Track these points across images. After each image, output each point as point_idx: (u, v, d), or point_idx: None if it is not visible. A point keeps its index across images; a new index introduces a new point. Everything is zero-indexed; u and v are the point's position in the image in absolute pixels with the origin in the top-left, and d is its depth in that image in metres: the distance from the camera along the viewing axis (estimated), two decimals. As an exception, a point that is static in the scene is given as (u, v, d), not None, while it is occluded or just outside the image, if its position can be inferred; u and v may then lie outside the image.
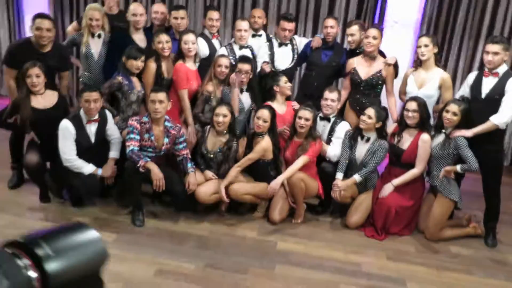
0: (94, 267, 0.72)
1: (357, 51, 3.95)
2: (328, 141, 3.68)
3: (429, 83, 3.58)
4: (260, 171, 3.54)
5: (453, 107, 3.28)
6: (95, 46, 3.94)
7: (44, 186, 3.52)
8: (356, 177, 3.46)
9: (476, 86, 3.37)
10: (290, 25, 4.05)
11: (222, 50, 4.02)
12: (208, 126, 3.61)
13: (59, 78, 3.81)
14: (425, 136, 3.40)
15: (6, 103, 3.53)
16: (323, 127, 3.73)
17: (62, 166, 3.29)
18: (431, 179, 3.50)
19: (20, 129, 3.46)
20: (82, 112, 3.33)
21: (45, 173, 3.50)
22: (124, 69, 3.58)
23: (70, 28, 4.42)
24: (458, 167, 3.24)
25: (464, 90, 3.50)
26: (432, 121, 3.63)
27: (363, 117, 3.47)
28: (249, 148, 3.54)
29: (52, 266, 0.65)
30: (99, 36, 3.94)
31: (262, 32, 4.33)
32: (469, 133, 3.27)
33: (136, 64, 3.55)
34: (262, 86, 3.90)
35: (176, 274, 2.75)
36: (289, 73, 4.17)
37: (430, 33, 5.18)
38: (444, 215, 3.42)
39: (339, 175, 3.52)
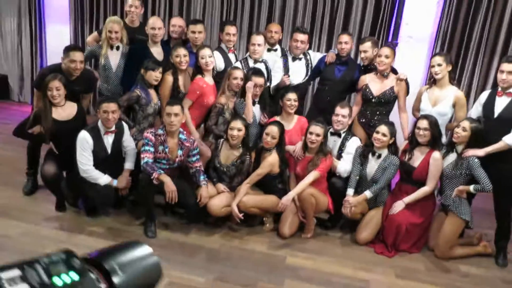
0: (151, 279, 0.81)
1: (370, 67, 3.98)
2: (339, 157, 3.70)
3: (443, 101, 3.59)
4: (267, 184, 3.60)
5: (465, 123, 3.29)
6: (114, 58, 4.05)
7: (61, 195, 3.62)
8: (367, 194, 3.48)
9: (489, 105, 3.37)
10: (303, 37, 4.10)
11: (237, 64, 4.09)
12: (221, 140, 3.67)
13: (81, 98, 3.89)
14: (436, 154, 3.41)
15: (29, 111, 3.64)
16: (333, 143, 3.76)
17: (78, 176, 3.38)
18: (444, 198, 3.49)
19: (39, 139, 3.57)
20: (100, 123, 3.43)
21: (62, 182, 3.59)
22: (142, 81, 3.68)
23: (90, 38, 4.54)
24: (471, 188, 3.24)
25: (477, 109, 3.50)
26: (444, 139, 3.63)
27: (377, 136, 3.49)
28: (257, 162, 3.60)
29: (118, 279, 0.73)
30: (117, 48, 4.05)
31: (277, 46, 4.40)
32: (481, 152, 3.26)
33: (155, 74, 3.64)
34: (276, 100, 3.95)
35: (186, 287, 2.80)
36: (303, 87, 4.23)
37: (444, 49, 5.21)
38: (455, 234, 3.42)
39: (350, 191, 3.54)
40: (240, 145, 3.58)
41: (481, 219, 3.82)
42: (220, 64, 4.09)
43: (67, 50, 3.61)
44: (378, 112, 3.88)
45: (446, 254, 3.42)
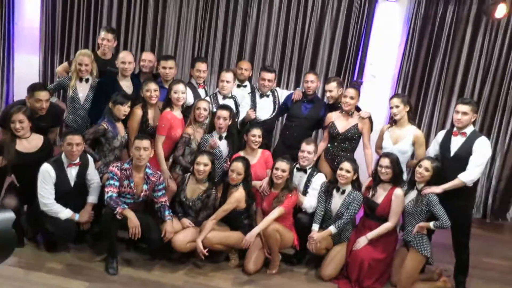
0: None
1: (335, 105, 4.12)
2: (305, 192, 3.77)
3: (403, 139, 3.75)
4: (234, 219, 3.60)
5: (426, 163, 3.43)
6: (82, 90, 4.05)
7: (20, 230, 3.50)
8: (332, 229, 3.54)
9: (446, 144, 3.54)
10: (270, 75, 4.25)
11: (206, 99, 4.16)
12: (188, 174, 3.68)
13: (48, 131, 3.85)
14: (398, 191, 3.53)
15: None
16: (299, 178, 3.83)
17: (38, 209, 3.30)
18: (405, 234, 3.59)
19: (2, 172, 3.48)
20: (63, 156, 3.38)
21: (22, 216, 3.49)
22: (110, 114, 3.68)
23: (61, 69, 4.53)
24: (431, 224, 3.36)
25: (434, 147, 3.67)
26: (405, 176, 3.76)
27: (341, 172, 3.59)
28: (223, 197, 3.62)
29: None
30: (86, 80, 4.05)
31: (247, 83, 4.51)
32: (438, 189, 3.40)
33: (123, 109, 3.66)
34: (242, 134, 4.01)
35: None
36: (270, 123, 4.34)
37: (406, 88, 5.46)
38: (416, 269, 3.49)
39: (315, 227, 3.59)
40: (206, 179, 3.59)
41: (442, 254, 3.92)
42: (190, 99, 4.14)
43: (32, 89, 3.58)
44: (343, 149, 4.01)
45: (408, 289, 3.48)
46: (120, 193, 3.37)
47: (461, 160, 3.42)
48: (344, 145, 4.01)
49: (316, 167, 3.93)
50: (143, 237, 3.30)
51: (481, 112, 5.40)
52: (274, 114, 4.35)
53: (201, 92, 4.31)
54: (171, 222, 3.42)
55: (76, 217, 3.36)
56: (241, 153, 3.84)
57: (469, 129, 3.47)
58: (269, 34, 5.61)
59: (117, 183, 3.33)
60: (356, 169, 3.61)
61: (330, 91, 4.11)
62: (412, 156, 3.88)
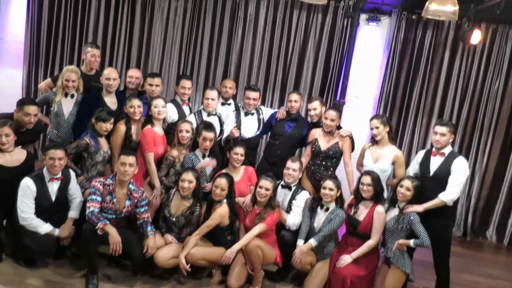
0: None
1: (319, 124, 4.19)
2: (289, 209, 3.79)
3: (383, 159, 3.84)
4: (217, 235, 3.60)
5: (407, 183, 3.51)
6: (67, 105, 4.04)
7: (0, 244, 3.43)
8: (312, 241, 3.57)
9: (425, 164, 3.63)
10: (254, 94, 4.32)
11: (190, 117, 4.19)
12: (173, 190, 3.68)
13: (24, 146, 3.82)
14: (379, 208, 3.58)
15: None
16: (284, 195, 3.86)
17: (18, 224, 3.24)
18: (385, 251, 3.63)
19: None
20: (45, 170, 3.35)
21: (1, 231, 3.42)
22: (93, 130, 3.67)
23: (43, 85, 4.52)
24: (411, 242, 3.41)
25: (414, 166, 3.76)
26: (386, 194, 3.83)
27: (324, 191, 3.63)
28: (207, 213, 3.61)
29: None
30: (72, 96, 4.06)
31: (231, 101, 4.57)
32: (420, 208, 3.47)
33: (105, 126, 3.66)
34: (225, 152, 4.04)
35: None
36: (254, 141, 4.39)
37: (387, 109, 5.62)
38: (397, 286, 3.51)
39: (300, 242, 3.61)
40: (191, 196, 3.59)
41: (423, 271, 3.98)
42: (174, 116, 4.18)
43: (22, 103, 3.59)
44: (325, 167, 4.07)
45: (390, 306, 3.50)
46: (103, 208, 3.34)
47: (440, 179, 3.51)
48: (325, 163, 4.07)
49: (300, 185, 3.97)
50: (124, 252, 3.26)
51: (459, 133, 5.58)
52: (258, 132, 4.40)
53: (186, 109, 4.34)
54: (153, 237, 3.40)
55: (56, 232, 3.31)
56: (224, 171, 3.85)
57: (447, 149, 3.58)
58: (253, 54, 5.73)
59: (99, 198, 3.31)
60: (338, 186, 3.67)
61: (315, 109, 4.20)
62: (391, 175, 3.96)
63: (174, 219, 3.58)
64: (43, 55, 6.03)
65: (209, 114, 4.26)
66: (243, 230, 3.70)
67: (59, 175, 3.38)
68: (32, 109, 3.57)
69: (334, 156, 4.07)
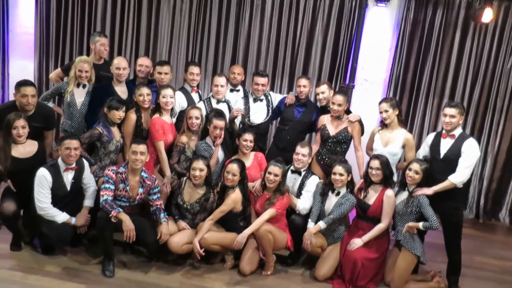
0: None
1: (328, 108, 4.19)
2: (299, 194, 3.83)
3: (393, 142, 3.83)
4: (230, 221, 3.65)
5: (415, 166, 3.50)
6: (79, 96, 4.09)
7: (18, 233, 3.54)
8: (321, 224, 3.61)
9: (435, 146, 3.61)
10: (262, 80, 4.31)
11: (200, 104, 4.21)
12: (185, 178, 3.72)
13: (44, 136, 3.84)
14: (389, 192, 3.59)
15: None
16: (294, 180, 3.89)
17: (35, 213, 3.33)
18: (396, 234, 3.65)
19: (-4, 176, 3.53)
20: (59, 160, 3.42)
21: (19, 221, 3.52)
22: (105, 119, 3.72)
23: (54, 75, 4.57)
24: (420, 225, 3.42)
25: (424, 149, 3.75)
26: (396, 178, 3.83)
27: (335, 177, 3.65)
28: (220, 199, 3.66)
29: None
30: (84, 86, 4.10)
31: (240, 87, 4.57)
32: (429, 191, 3.47)
33: (119, 114, 3.71)
34: (234, 138, 4.06)
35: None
36: (263, 127, 4.40)
37: (397, 91, 5.55)
38: (408, 269, 3.55)
39: (311, 224, 3.65)
40: (204, 184, 3.63)
41: (434, 254, 4.00)
42: (183, 103, 4.21)
43: (18, 85, 3.59)
44: (334, 152, 4.08)
45: (401, 289, 3.54)
46: (116, 196, 3.42)
47: (451, 161, 3.49)
48: (335, 148, 4.08)
49: (309, 170, 3.99)
50: (138, 239, 3.34)
51: (471, 114, 5.51)
52: (268, 117, 4.41)
53: (195, 96, 4.37)
54: (166, 224, 3.47)
55: (73, 220, 3.39)
56: (236, 156, 3.88)
57: (458, 131, 3.55)
58: (261, 39, 5.69)
59: (112, 187, 3.37)
60: (348, 170, 3.68)
61: (323, 92, 4.19)
62: (401, 158, 3.95)
63: (188, 206, 3.64)
64: (53, 45, 6.09)
65: (218, 101, 4.27)
66: (254, 215, 3.75)
67: (74, 165, 3.44)
68: (28, 90, 3.56)
69: (343, 141, 4.07)
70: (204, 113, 4.08)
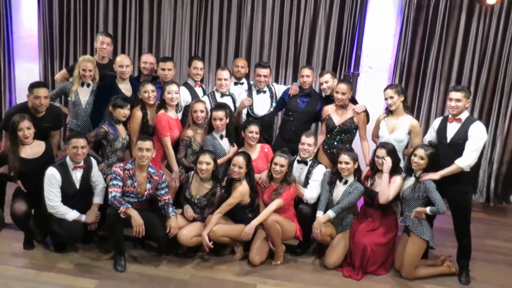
0: None
1: (332, 97, 4.17)
2: (306, 184, 3.83)
3: (399, 129, 3.81)
4: (238, 213, 3.67)
5: (420, 152, 3.48)
6: (83, 95, 4.13)
7: (30, 233, 3.60)
8: (330, 213, 3.62)
9: (442, 131, 3.59)
10: (264, 71, 4.30)
11: (204, 99, 4.22)
12: (192, 172, 3.75)
13: (51, 136, 3.90)
14: (397, 178, 3.59)
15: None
16: (300, 170, 3.90)
17: (46, 212, 3.39)
18: (404, 220, 3.64)
19: (5, 178, 3.59)
20: (68, 159, 3.46)
21: (30, 220, 3.57)
22: (110, 118, 3.76)
23: (59, 76, 4.61)
24: (428, 209, 3.41)
25: (431, 134, 3.72)
26: (402, 164, 3.81)
27: (341, 166, 3.65)
28: (227, 192, 3.68)
29: None
30: (88, 85, 4.14)
31: (244, 80, 4.57)
32: (436, 176, 3.45)
33: (123, 112, 3.74)
34: (239, 132, 4.07)
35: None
36: (268, 119, 4.40)
37: (403, 78, 5.51)
38: (417, 254, 3.54)
39: (319, 214, 3.66)
40: (210, 178, 3.65)
41: (444, 239, 3.99)
42: (187, 98, 4.22)
43: (32, 87, 3.65)
44: (340, 140, 4.07)
45: (411, 274, 3.54)
46: (124, 192, 3.45)
47: (458, 145, 3.46)
48: (341, 137, 4.07)
49: (316, 159, 3.99)
50: (148, 234, 3.38)
51: (479, 98, 5.45)
52: (272, 109, 4.41)
53: (199, 90, 4.38)
54: (175, 218, 3.50)
55: (83, 218, 3.44)
56: (241, 150, 3.89)
57: (464, 115, 3.51)
58: (264, 31, 5.68)
59: (120, 183, 3.41)
60: (355, 158, 3.67)
61: (326, 82, 4.18)
62: (408, 145, 3.93)
63: (196, 200, 3.66)
64: (57, 47, 6.14)
65: (222, 95, 4.28)
66: (262, 206, 3.76)
67: (82, 163, 3.49)
68: (41, 91, 3.61)
69: (349, 131, 4.05)
70: (208, 106, 4.10)
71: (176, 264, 3.55)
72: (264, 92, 4.38)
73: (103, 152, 3.83)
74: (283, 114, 4.57)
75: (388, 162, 3.54)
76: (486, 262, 3.93)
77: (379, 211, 3.65)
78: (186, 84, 4.36)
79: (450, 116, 3.57)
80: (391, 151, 3.58)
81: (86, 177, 3.54)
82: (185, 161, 3.91)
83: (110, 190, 3.39)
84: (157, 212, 3.60)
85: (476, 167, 5.21)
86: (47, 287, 3.12)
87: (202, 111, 3.89)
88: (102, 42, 4.44)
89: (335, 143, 4.07)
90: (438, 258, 3.75)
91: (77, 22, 6.01)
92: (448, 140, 3.53)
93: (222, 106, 3.95)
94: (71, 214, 3.40)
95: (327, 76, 4.18)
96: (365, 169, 3.90)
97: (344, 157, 3.65)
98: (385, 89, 3.85)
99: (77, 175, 3.49)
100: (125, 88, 4.16)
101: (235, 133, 4.04)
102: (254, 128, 3.88)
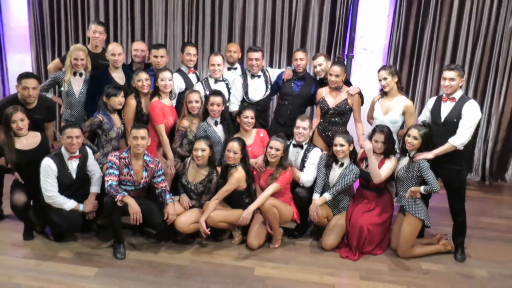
0: None
1: (326, 80, 4.16)
2: (302, 168, 3.85)
3: (393, 110, 3.82)
4: (235, 199, 3.70)
5: (414, 132, 3.50)
6: (76, 84, 4.11)
7: (29, 223, 3.63)
8: (326, 196, 3.65)
9: (436, 110, 3.59)
10: (256, 55, 4.28)
11: (198, 85, 4.21)
12: (189, 159, 3.76)
13: (44, 128, 3.86)
14: (391, 158, 3.62)
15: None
16: (296, 154, 3.91)
17: (44, 203, 3.41)
18: (399, 200, 3.68)
19: (3, 170, 3.59)
20: (63, 149, 3.47)
21: (30, 211, 3.59)
22: (105, 108, 3.75)
23: (52, 65, 4.59)
24: (421, 189, 3.44)
25: (425, 114, 3.73)
26: (397, 145, 3.83)
27: (336, 148, 3.67)
28: (223, 178, 3.70)
29: None
30: (80, 74, 4.12)
31: (237, 65, 4.55)
32: (430, 155, 3.47)
33: (118, 100, 3.73)
34: (234, 117, 4.08)
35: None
36: (263, 103, 4.39)
37: (397, 59, 5.49)
38: (413, 233, 3.59)
39: (316, 196, 3.69)
40: (207, 165, 3.67)
41: (441, 218, 4.04)
42: (181, 85, 4.21)
43: (20, 77, 3.62)
44: (335, 123, 4.08)
45: (407, 253, 3.59)
46: (121, 181, 3.47)
47: (452, 125, 3.47)
48: (335, 119, 4.08)
49: (311, 143, 4.00)
50: (146, 221, 3.41)
51: (474, 76, 5.45)
52: (267, 93, 4.40)
53: (192, 77, 4.36)
54: (172, 205, 3.53)
55: (81, 207, 3.46)
56: (238, 135, 3.90)
57: (458, 94, 3.52)
58: (257, 15, 5.63)
59: (116, 172, 3.43)
60: (350, 140, 3.69)
61: (320, 64, 4.17)
62: (403, 125, 3.94)
63: (192, 187, 3.69)
64: (48, 36, 6.09)
65: (216, 81, 4.27)
66: (259, 190, 3.79)
67: (77, 153, 3.49)
68: (30, 82, 3.58)
69: (343, 113, 4.06)
70: (202, 93, 4.09)
71: (175, 250, 3.58)
72: (259, 77, 4.36)
73: (98, 142, 3.83)
74: (278, 98, 4.57)
75: (368, 145, 3.58)
76: (481, 239, 3.98)
77: (375, 192, 3.69)
78: (179, 71, 4.34)
79: (444, 95, 3.57)
80: (388, 137, 3.59)
81: (82, 166, 3.55)
82: (180, 150, 3.92)
83: (106, 179, 3.40)
84: (155, 200, 3.62)
85: (471, 146, 5.25)
86: (48, 276, 3.15)
87: (197, 101, 3.89)
88: (95, 31, 4.41)
89: (330, 125, 4.08)
90: (434, 236, 3.80)
91: (67, 10, 5.95)
92: (442, 119, 3.54)
93: (219, 93, 3.95)
94: (69, 204, 3.42)
95: (321, 59, 4.17)
96: (359, 151, 3.91)
97: (339, 139, 3.66)
98: (378, 71, 3.84)
99: (73, 165, 3.50)
100: (118, 76, 4.14)
101: (231, 119, 4.04)
102: (249, 113, 3.88)
